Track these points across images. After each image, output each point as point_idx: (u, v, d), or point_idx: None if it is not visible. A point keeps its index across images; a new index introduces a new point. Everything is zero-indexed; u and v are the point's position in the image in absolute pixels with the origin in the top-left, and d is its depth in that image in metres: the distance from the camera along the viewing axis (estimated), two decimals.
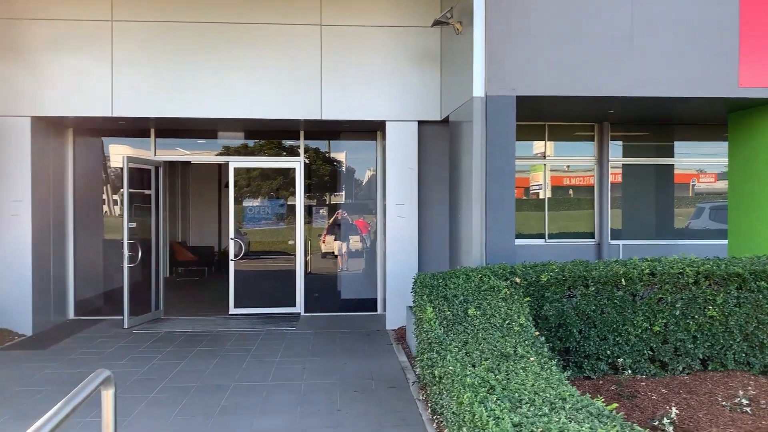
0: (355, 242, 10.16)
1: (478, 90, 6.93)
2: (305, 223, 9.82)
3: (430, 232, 8.93)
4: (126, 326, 8.63)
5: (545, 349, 4.70)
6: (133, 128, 9.74)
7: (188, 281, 13.85)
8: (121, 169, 8.77)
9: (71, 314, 9.42)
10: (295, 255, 9.81)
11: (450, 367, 4.22)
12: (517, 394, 3.78)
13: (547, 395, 3.81)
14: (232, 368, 6.58)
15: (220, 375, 6.33)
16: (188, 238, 16.54)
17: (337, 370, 6.52)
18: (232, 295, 9.67)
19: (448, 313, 5.02)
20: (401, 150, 8.64)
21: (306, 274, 9.81)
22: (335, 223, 10.08)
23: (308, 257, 9.95)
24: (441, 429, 4.81)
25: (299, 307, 9.70)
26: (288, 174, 9.92)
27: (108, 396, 2.43)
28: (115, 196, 10.50)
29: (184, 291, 12.19)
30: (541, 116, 9.28)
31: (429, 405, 5.27)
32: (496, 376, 4.07)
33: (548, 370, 4.30)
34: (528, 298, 5.48)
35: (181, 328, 8.68)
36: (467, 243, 7.15)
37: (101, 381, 2.35)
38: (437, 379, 4.73)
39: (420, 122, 8.72)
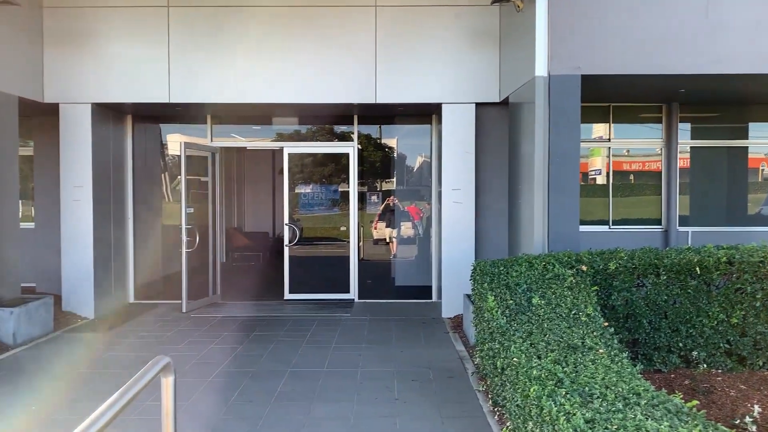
0: (407, 229, 10.01)
1: (541, 69, 6.64)
2: (358, 210, 9.71)
3: (486, 219, 8.68)
4: (184, 310, 8.73)
5: (615, 341, 4.45)
6: (190, 114, 9.80)
7: (244, 266, 13.99)
8: (179, 155, 8.85)
9: (131, 298, 9.61)
10: (348, 241, 9.73)
11: (514, 359, 4.02)
12: (587, 388, 3.56)
13: (620, 389, 3.58)
14: (288, 354, 6.54)
15: (276, 360, 6.30)
16: (243, 224, 16.73)
17: (393, 358, 6.40)
18: (287, 281, 9.67)
19: (511, 302, 4.81)
20: (458, 133, 8.41)
21: (359, 260, 9.73)
22: (387, 210, 9.93)
23: (361, 243, 9.86)
24: (503, 422, 4.63)
25: (353, 293, 9.63)
26: (341, 159, 9.82)
27: (168, 383, 2.36)
28: (173, 183, 10.64)
29: (240, 276, 12.31)
30: (605, 97, 8.87)
31: (489, 396, 5.09)
32: (563, 368, 3.85)
33: (619, 363, 4.05)
34: (595, 288, 5.21)
35: (238, 312, 8.73)
36: (528, 229, 6.89)
37: (161, 368, 2.27)
38: (499, 370, 4.54)
39: (477, 104, 8.46)
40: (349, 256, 9.68)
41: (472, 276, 5.91)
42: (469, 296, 7.41)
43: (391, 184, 10.06)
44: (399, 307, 9.05)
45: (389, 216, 9.96)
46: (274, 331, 7.61)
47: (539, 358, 4.04)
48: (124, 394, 2.07)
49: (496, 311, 4.67)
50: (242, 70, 8.36)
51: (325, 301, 9.50)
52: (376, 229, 10.03)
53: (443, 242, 8.44)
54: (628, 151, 9.52)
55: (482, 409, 4.94)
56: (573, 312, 4.70)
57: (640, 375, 3.85)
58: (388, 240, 9.98)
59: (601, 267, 5.44)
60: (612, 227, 9.23)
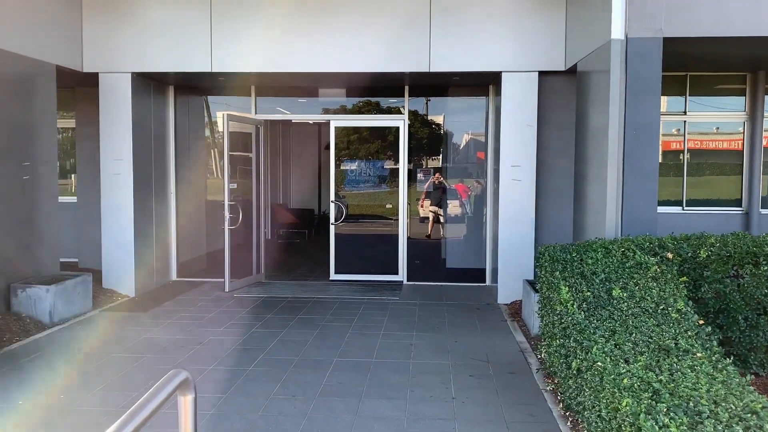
0: (453, 207, 9.43)
1: (617, 32, 5.92)
2: (407, 187, 9.16)
3: (547, 198, 8.02)
4: (227, 290, 8.39)
5: (714, 343, 3.82)
6: (234, 86, 9.38)
7: (288, 244, 13.66)
8: (222, 129, 8.42)
9: (173, 276, 9.34)
10: (396, 220, 9.21)
11: (598, 362, 3.44)
12: (691, 404, 2.97)
13: (732, 406, 2.98)
14: (333, 341, 6.09)
15: (320, 348, 5.86)
16: (289, 200, 16.40)
17: (447, 348, 5.88)
18: (332, 261, 9.23)
19: (588, 294, 4.21)
20: (519, 105, 7.74)
21: (408, 240, 9.20)
22: (433, 187, 9.34)
23: (409, 222, 9.31)
24: (578, 430, 4.06)
25: (401, 275, 9.13)
26: (390, 134, 9.27)
27: (186, 403, 1.88)
28: (218, 158, 10.28)
29: (284, 254, 11.96)
30: (682, 65, 8.05)
31: (560, 399, 4.53)
32: (658, 376, 3.26)
33: (724, 372, 3.44)
34: (684, 278, 4.55)
35: (282, 293, 8.34)
36: (597, 211, 6.23)
37: (177, 384, 1.80)
38: (574, 371, 3.96)
39: (540, 73, 7.76)
40: (397, 236, 9.16)
41: (538, 262, 5.32)
42: (530, 282, 6.82)
43: (442, 160, 9.47)
44: (450, 291, 8.51)
45: (436, 194, 9.37)
46: (319, 314, 7.18)
47: (627, 362, 3.46)
48: (130, 420, 1.60)
49: (572, 304, 4.09)
50: (285, 37, 7.85)
51: (372, 282, 9.03)
52: (422, 207, 9.46)
53: (500, 223, 7.83)
54: (717, 128, 8.66)
55: (552, 413, 4.38)
56: (661, 307, 4.08)
57: (752, 387, 3.23)
58: (437, 219, 9.42)
59: (689, 255, 4.77)
60: (685, 209, 8.45)
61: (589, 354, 3.60)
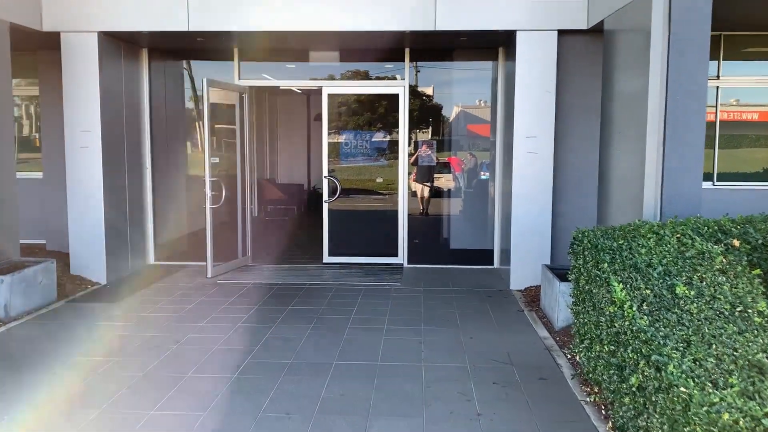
0: (447, 182, 8.66)
1: None
2: (408, 161, 8.33)
3: (566, 173, 7.24)
4: (209, 276, 7.58)
5: None
6: (214, 49, 8.46)
7: (277, 221, 12.83)
8: (202, 97, 7.51)
9: (151, 259, 8.50)
10: (396, 197, 8.40)
11: (681, 388, 2.69)
12: None
13: None
14: (330, 338, 5.33)
15: (316, 348, 5.08)
16: (277, 175, 15.53)
17: (462, 347, 5.12)
18: (326, 242, 8.43)
19: (647, 291, 3.45)
20: (535, 69, 6.90)
21: (409, 219, 8.40)
22: (423, 160, 8.52)
23: (410, 199, 8.50)
24: None
25: (402, 257, 8.35)
26: (389, 102, 8.41)
27: None
28: (199, 129, 9.38)
29: (273, 233, 11.14)
30: (715, 22, 7.22)
31: (609, 419, 3.79)
32: (763, 408, 2.52)
33: None
34: (757, 271, 3.80)
35: (271, 278, 7.55)
36: (632, 188, 5.45)
37: None
38: (634, 389, 3.22)
39: (560, 32, 6.91)
40: (397, 215, 8.36)
41: (573, 249, 4.55)
42: (551, 269, 6.07)
43: (444, 132, 8.65)
44: (456, 275, 7.76)
45: (423, 168, 8.57)
46: (312, 304, 6.40)
47: (715, 386, 2.71)
48: None
49: (630, 306, 3.32)
50: None
51: (369, 266, 8.25)
52: (414, 181, 8.66)
53: (513, 200, 7.05)
54: (737, 100, 7.88)
55: None
56: (738, 309, 3.33)
57: None
58: (428, 196, 8.63)
59: (759, 242, 4.02)
60: (716, 184, 7.71)
61: (663, 373, 2.84)
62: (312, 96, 15.35)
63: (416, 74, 8.38)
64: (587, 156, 7.13)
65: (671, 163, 5.14)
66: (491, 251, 8.30)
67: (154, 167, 8.49)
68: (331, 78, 8.52)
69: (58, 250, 8.32)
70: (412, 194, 8.57)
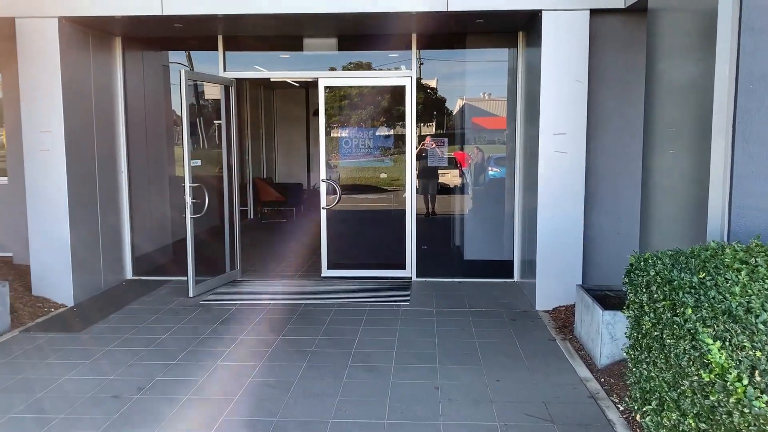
0: (454, 178, 7.76)
1: None
2: (417, 160, 7.38)
3: (599, 176, 6.29)
4: (191, 294, 6.67)
5: None
6: (196, 36, 7.54)
7: (274, 225, 11.91)
8: (180, 91, 6.56)
9: (129, 273, 7.59)
10: (403, 200, 7.46)
11: None
12: None
13: None
14: (326, 383, 4.41)
15: (308, 398, 4.16)
16: (274, 174, 14.62)
17: (489, 394, 4.20)
18: (324, 254, 7.49)
19: (757, 354, 2.51)
20: (563, 54, 5.95)
21: (418, 227, 7.46)
22: (422, 157, 7.60)
23: (418, 203, 7.56)
24: None
25: (410, 269, 7.42)
26: (394, 95, 7.47)
27: None
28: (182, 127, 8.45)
29: (267, 239, 10.22)
30: None
31: None
32: None
33: None
34: None
35: (261, 296, 6.64)
36: (688, 195, 4.50)
37: None
38: None
39: (592, 11, 5.96)
40: (404, 223, 7.42)
41: (631, 281, 3.60)
42: (586, 289, 5.14)
43: (456, 126, 7.72)
44: (472, 291, 6.83)
45: (426, 165, 7.66)
46: (307, 332, 5.48)
47: None
48: None
49: (738, 378, 2.38)
50: None
51: (374, 280, 7.32)
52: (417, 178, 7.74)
53: (540, 207, 6.10)
54: None
55: None
56: None
57: None
58: (428, 197, 7.73)
59: None
60: None
61: None
62: (311, 89, 14.42)
63: (420, 66, 7.41)
64: (624, 156, 6.19)
65: (742, 168, 4.18)
66: (510, 263, 7.37)
67: (132, 171, 7.57)
68: (330, 67, 7.56)
69: (28, 264, 7.41)
70: (418, 192, 7.64)
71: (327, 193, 7.45)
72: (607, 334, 4.54)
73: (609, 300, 5.11)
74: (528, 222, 6.60)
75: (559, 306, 6.11)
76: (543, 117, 6.00)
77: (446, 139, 7.54)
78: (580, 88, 5.95)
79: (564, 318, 5.81)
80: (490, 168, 7.63)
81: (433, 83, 7.56)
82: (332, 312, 6.09)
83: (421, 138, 7.45)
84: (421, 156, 7.49)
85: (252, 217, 12.95)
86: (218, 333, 5.48)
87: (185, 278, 6.87)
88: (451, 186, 7.82)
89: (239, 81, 11.76)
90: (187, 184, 6.55)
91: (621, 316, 4.51)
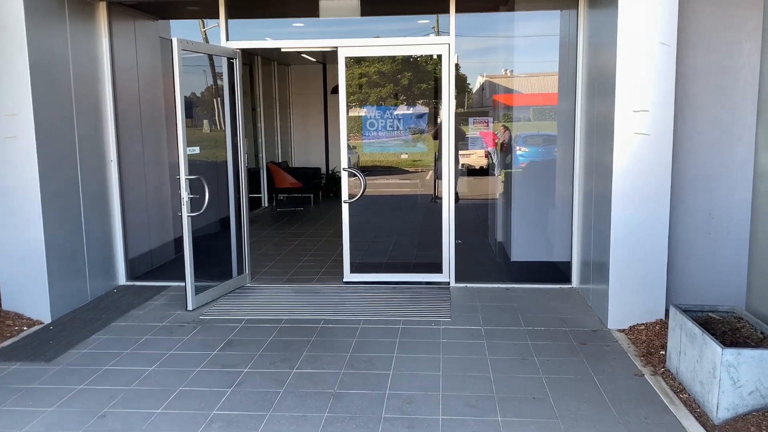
0: (478, 159, 6.64)
1: None
2: (455, 143, 6.21)
3: (689, 163, 5.10)
4: (190, 307, 5.62)
5: None
6: (196, 2, 6.42)
7: (289, 214, 10.85)
8: (173, 64, 5.44)
9: (122, 278, 6.57)
10: (439, 194, 6.32)
11: None
12: None
13: None
14: None
15: None
16: (291, 158, 13.55)
17: None
18: (347, 255, 6.39)
19: None
20: (645, 10, 4.72)
21: (456, 223, 6.33)
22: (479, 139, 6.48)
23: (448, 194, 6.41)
24: None
25: (447, 273, 6.30)
26: (428, 67, 6.31)
27: None
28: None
29: (282, 232, 9.16)
30: None
31: None
32: None
33: None
34: None
35: (273, 309, 5.57)
36: None
37: None
38: None
39: None
40: (440, 218, 6.28)
41: None
42: (684, 310, 3.99)
43: (498, 104, 6.56)
44: (523, 301, 5.70)
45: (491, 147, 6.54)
46: (328, 362, 4.40)
47: None
48: None
49: None
50: None
51: (405, 286, 6.22)
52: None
53: (614, 201, 4.91)
54: None
55: None
56: None
57: None
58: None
59: None
60: None
61: None
62: (329, 65, 13.27)
63: (465, 30, 6.21)
64: (720, 139, 4.99)
65: None
66: (566, 265, 6.22)
67: (123, 159, 6.52)
68: (351, 33, 6.39)
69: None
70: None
71: (349, 184, 6.32)
72: (727, 379, 3.39)
73: (714, 326, 3.97)
74: (594, 217, 5.43)
75: (637, 324, 4.95)
76: (620, 90, 4.79)
77: (490, 119, 6.36)
78: (667, 53, 4.72)
79: (647, 342, 4.65)
80: (518, 147, 6.49)
81: (475, 53, 6.38)
82: (358, 332, 5.00)
83: (459, 116, 6.26)
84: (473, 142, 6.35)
85: (266, 204, 11.90)
86: (217, 364, 4.41)
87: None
88: (480, 167, 6.71)
89: (249, 55, 10.63)
90: (183, 176, 5.47)
91: (747, 355, 3.37)
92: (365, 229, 6.51)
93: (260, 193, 11.91)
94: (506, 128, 6.61)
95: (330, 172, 13.38)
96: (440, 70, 6.01)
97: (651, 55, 4.73)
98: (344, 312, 5.50)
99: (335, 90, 13.05)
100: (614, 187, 4.88)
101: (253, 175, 11.67)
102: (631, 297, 4.95)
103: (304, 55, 11.83)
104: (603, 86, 5.14)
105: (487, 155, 6.99)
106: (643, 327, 4.89)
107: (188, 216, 5.52)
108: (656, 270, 4.92)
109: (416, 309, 5.53)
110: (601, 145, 5.21)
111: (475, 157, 7.46)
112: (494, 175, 6.90)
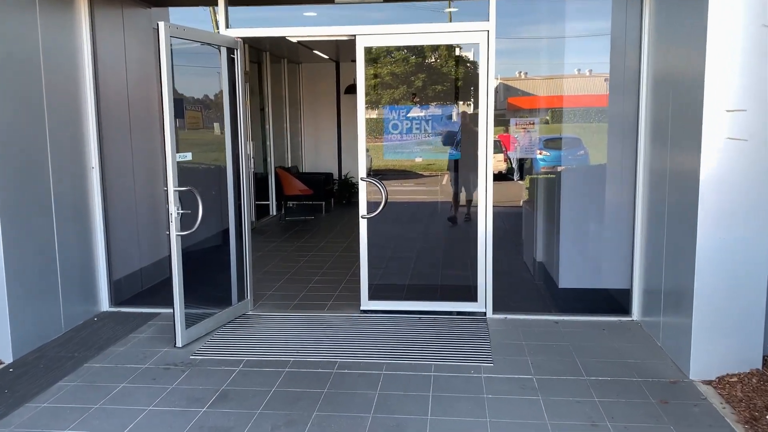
0: (497, 163, 5.79)
1: None
2: (493, 147, 5.26)
3: None
4: (179, 344, 4.72)
5: None
6: None
7: (299, 223, 9.97)
8: (158, 54, 4.53)
9: (104, 304, 5.68)
10: (473, 206, 5.38)
11: None
12: None
13: None
14: None
15: None
16: (301, 162, 12.67)
17: None
18: (364, 279, 5.45)
19: None
20: None
21: (491, 238, 5.38)
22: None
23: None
24: None
25: (484, 302, 5.34)
26: (461, 58, 5.39)
27: None
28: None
29: (291, 243, 8.26)
30: None
31: None
32: None
33: None
34: None
35: (280, 344, 4.67)
36: None
37: None
38: None
39: None
40: (475, 235, 5.33)
41: None
42: None
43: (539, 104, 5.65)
44: (578, 338, 4.75)
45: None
46: (344, 426, 3.47)
47: None
48: None
49: None
50: None
51: (433, 317, 5.28)
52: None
53: (701, 219, 3.93)
54: None
55: None
56: None
57: None
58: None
59: None
60: None
61: None
62: (342, 63, 12.39)
63: (507, 15, 5.27)
64: None
65: None
66: (625, 293, 5.26)
67: (107, 165, 5.64)
68: (371, 19, 5.47)
69: None
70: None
71: (368, 196, 5.38)
72: None
73: None
74: (668, 236, 4.47)
75: (728, 375, 3.99)
76: (709, 85, 3.83)
77: (536, 119, 5.43)
78: None
79: (745, 401, 3.69)
80: (538, 152, 5.57)
81: (516, 41, 5.44)
82: (380, 381, 4.08)
83: (499, 117, 5.32)
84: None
85: (274, 213, 11.02)
86: (205, 428, 3.50)
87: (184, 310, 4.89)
88: (499, 172, 5.84)
89: (257, 52, 9.74)
90: (171, 187, 4.57)
91: None
92: (382, 243, 5.58)
93: (268, 200, 11.03)
94: (527, 130, 5.71)
95: (343, 177, 12.49)
96: (474, 62, 5.08)
97: (751, 40, 3.77)
98: (362, 351, 4.57)
99: (349, 90, 12.16)
100: (702, 202, 3.92)
101: (261, 182, 10.79)
102: (720, 340, 3.99)
103: (316, 52, 10.94)
104: (681, 83, 4.19)
105: (507, 159, 6.14)
106: (735, 379, 3.93)
107: (177, 235, 4.62)
108: (754, 307, 3.95)
109: (450, 348, 4.59)
110: (678, 151, 4.26)
111: (494, 162, 6.58)
112: (513, 179, 6.05)
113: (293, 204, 11.28)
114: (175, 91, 4.64)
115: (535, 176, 5.85)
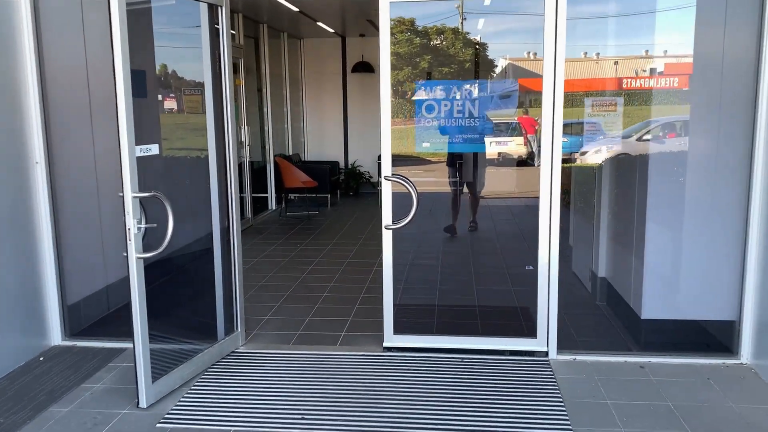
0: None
1: None
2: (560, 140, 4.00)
3: None
4: (144, 404, 3.49)
5: None
6: None
7: (301, 220, 8.75)
8: (109, 11, 3.26)
9: (56, 336, 4.45)
10: (533, 213, 4.13)
11: None
12: None
13: None
14: None
15: None
16: (303, 150, 11.42)
17: None
18: (389, 309, 4.19)
19: None
20: None
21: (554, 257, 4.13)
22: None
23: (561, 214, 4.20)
24: None
25: (545, 338, 4.09)
26: (516, 19, 4.12)
27: None
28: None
29: (292, 248, 7.04)
30: None
31: None
32: None
33: None
34: None
35: (277, 407, 3.44)
36: None
37: None
38: None
39: None
40: (537, 245, 4.07)
41: None
42: None
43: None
44: (676, 392, 3.53)
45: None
46: None
47: None
48: None
49: None
50: None
51: (478, 358, 4.05)
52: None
53: None
54: None
55: None
56: None
57: None
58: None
59: None
60: None
61: None
62: (349, 38, 11.10)
63: None
64: None
65: None
66: (727, 326, 4.03)
67: (58, 160, 4.39)
68: None
69: None
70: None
71: (395, 201, 4.12)
72: None
73: None
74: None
75: None
76: None
77: (620, 99, 4.15)
78: None
79: None
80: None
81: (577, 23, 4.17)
82: None
83: (568, 95, 4.03)
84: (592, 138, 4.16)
85: (273, 207, 9.79)
86: None
87: (154, 345, 3.64)
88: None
89: (254, 25, 8.54)
90: (128, 192, 3.33)
91: None
92: (418, 274, 4.36)
93: (267, 194, 9.79)
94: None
95: (350, 166, 11.24)
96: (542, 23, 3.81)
97: None
98: (388, 414, 3.35)
99: (357, 68, 10.89)
100: None
101: (258, 172, 9.54)
102: None
103: (320, 24, 9.65)
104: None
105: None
106: None
107: (138, 258, 3.37)
108: None
109: (506, 408, 3.37)
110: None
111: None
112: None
113: (295, 197, 10.07)
114: (163, 67, 3.40)
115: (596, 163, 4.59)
